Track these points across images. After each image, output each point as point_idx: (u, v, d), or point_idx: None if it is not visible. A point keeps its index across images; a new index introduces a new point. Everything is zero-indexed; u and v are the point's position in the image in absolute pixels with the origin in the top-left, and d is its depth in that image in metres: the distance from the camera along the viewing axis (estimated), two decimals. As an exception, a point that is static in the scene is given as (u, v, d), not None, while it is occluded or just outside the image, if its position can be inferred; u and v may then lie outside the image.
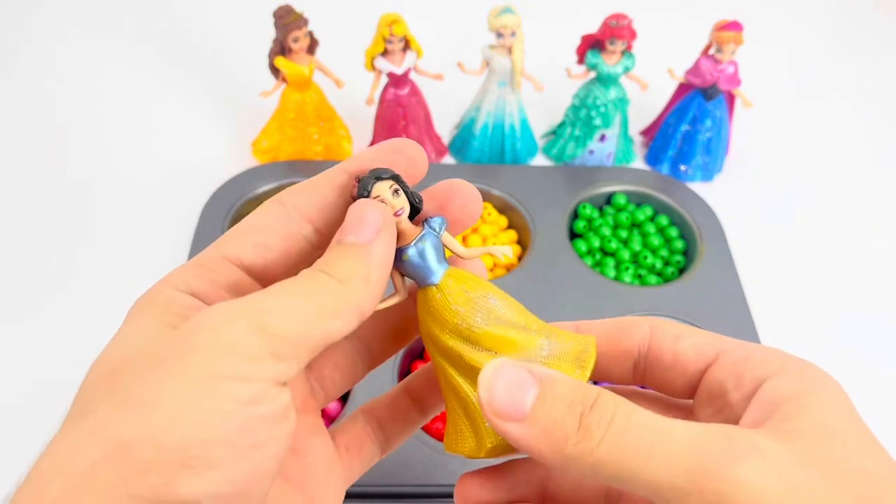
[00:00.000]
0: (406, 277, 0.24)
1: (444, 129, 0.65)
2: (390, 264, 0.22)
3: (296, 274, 0.21)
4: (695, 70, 0.59)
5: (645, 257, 0.56)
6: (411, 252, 0.23)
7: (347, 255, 0.21)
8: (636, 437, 0.18)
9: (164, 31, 0.75)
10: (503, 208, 0.58)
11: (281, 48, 0.55)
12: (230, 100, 0.68)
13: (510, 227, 0.58)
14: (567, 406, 0.19)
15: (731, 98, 0.62)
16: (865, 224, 0.63)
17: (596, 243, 0.57)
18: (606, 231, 0.57)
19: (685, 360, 0.23)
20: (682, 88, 0.63)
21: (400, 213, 0.23)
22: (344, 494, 0.26)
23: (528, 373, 0.20)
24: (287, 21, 0.53)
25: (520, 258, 0.56)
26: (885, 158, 0.69)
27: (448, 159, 0.65)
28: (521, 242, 0.57)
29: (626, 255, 0.56)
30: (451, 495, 0.43)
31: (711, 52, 0.58)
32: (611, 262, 0.56)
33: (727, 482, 0.17)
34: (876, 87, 0.77)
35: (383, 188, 0.23)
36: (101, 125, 0.66)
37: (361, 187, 0.22)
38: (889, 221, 0.63)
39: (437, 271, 0.23)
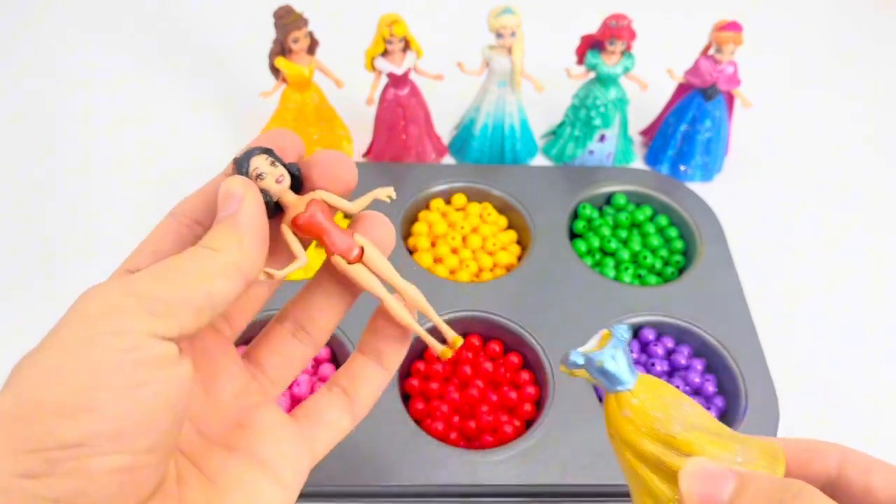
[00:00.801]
0: (305, 237, 0.26)
1: (444, 129, 0.65)
2: (262, 225, 0.24)
3: None
4: (694, 70, 0.59)
5: (645, 257, 0.56)
6: (606, 359, 0.23)
7: (221, 228, 0.23)
8: None
9: (164, 31, 0.75)
10: (503, 208, 0.58)
11: (281, 48, 0.55)
12: (230, 100, 0.68)
13: (510, 227, 0.58)
14: (766, 496, 0.19)
15: (730, 98, 0.62)
16: (865, 224, 0.63)
17: (596, 243, 0.57)
18: (606, 231, 0.57)
19: (876, 493, 0.23)
20: (682, 88, 0.63)
21: (280, 179, 0.25)
22: (308, 464, 0.27)
23: (727, 469, 0.21)
24: (287, 21, 0.53)
25: (520, 258, 0.56)
26: (885, 158, 0.69)
27: (448, 159, 0.65)
28: (521, 242, 0.57)
29: (625, 255, 0.56)
30: (451, 495, 0.44)
31: (711, 52, 0.58)
32: (611, 262, 0.56)
33: None
34: (876, 86, 0.77)
35: (260, 161, 0.24)
36: (101, 125, 0.66)
37: (239, 165, 0.24)
38: (889, 221, 0.63)
39: (631, 379, 0.24)
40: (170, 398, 0.21)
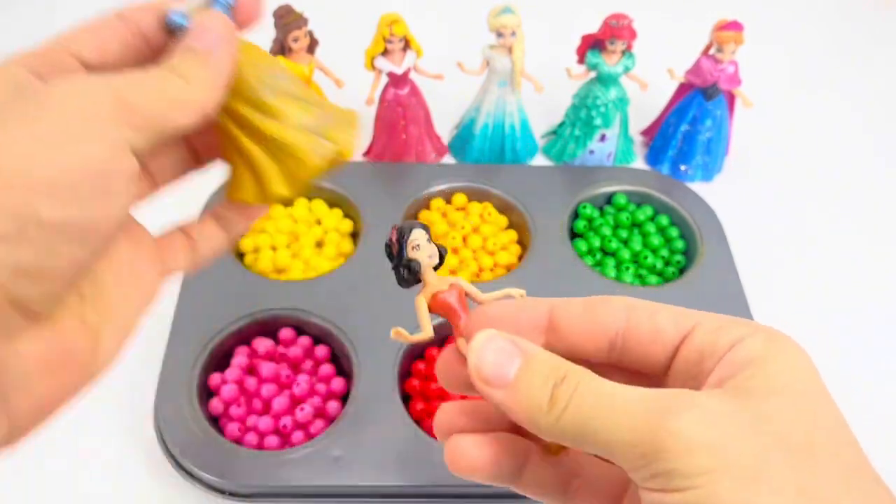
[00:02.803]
0: (432, 312, 0.27)
1: (445, 129, 0.65)
2: (229, 73, 0.24)
3: None
4: (695, 70, 0.59)
5: (645, 257, 0.56)
6: None
7: (194, 61, 0.23)
8: (594, 402, 0.20)
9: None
10: (503, 208, 0.58)
11: (281, 48, 0.55)
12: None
13: (510, 227, 0.58)
14: (543, 379, 0.21)
15: (731, 98, 0.62)
16: (865, 223, 0.63)
17: (596, 243, 0.57)
18: (607, 231, 0.57)
19: (664, 332, 0.23)
20: (683, 88, 0.63)
21: (432, 257, 0.26)
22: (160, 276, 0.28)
23: (513, 345, 0.22)
24: (287, 21, 0.53)
25: (520, 258, 0.56)
26: (886, 158, 0.69)
27: (448, 159, 0.65)
28: (521, 242, 0.57)
29: (626, 254, 0.56)
30: (451, 495, 0.43)
31: (712, 51, 0.58)
32: (611, 261, 0.56)
33: (662, 433, 0.19)
34: (876, 86, 0.77)
35: (420, 234, 0.26)
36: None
37: (400, 231, 0.26)
38: (889, 221, 0.63)
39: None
40: (125, 210, 0.22)
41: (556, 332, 0.25)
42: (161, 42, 0.25)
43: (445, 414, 0.26)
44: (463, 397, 0.31)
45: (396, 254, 0.26)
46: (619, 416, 0.20)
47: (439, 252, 0.27)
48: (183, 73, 0.23)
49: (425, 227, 0.26)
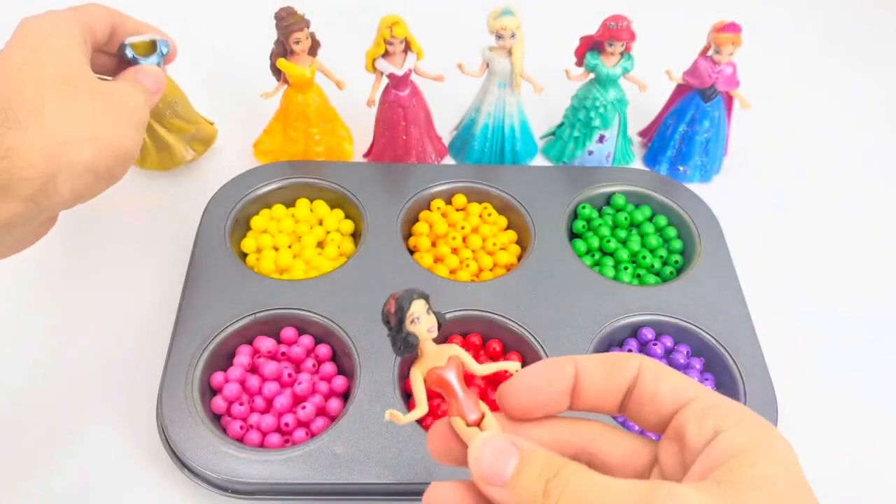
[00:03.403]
0: (428, 387, 0.27)
1: (445, 130, 0.66)
2: (156, 100, 0.43)
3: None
4: (693, 71, 0.60)
5: (644, 257, 0.56)
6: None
7: (139, 88, 0.42)
8: (583, 494, 0.21)
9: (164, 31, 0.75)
10: (503, 208, 0.59)
11: (283, 50, 0.56)
12: (232, 101, 0.68)
13: (510, 227, 0.58)
14: (538, 474, 0.23)
15: (729, 99, 0.62)
16: (864, 224, 0.63)
17: (595, 243, 0.57)
18: (605, 231, 0.58)
19: (661, 400, 0.25)
20: (681, 89, 0.64)
21: (432, 330, 0.26)
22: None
23: (511, 444, 0.24)
24: (288, 23, 0.54)
25: (519, 258, 0.56)
26: (885, 158, 0.70)
27: (448, 160, 0.65)
28: (521, 242, 0.57)
29: (624, 255, 0.56)
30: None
31: (710, 53, 0.59)
32: (609, 261, 0.56)
33: None
34: (875, 87, 0.77)
35: (419, 306, 0.25)
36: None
37: (399, 303, 0.25)
38: (888, 221, 0.64)
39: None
40: (135, 155, 0.40)
41: (578, 396, 0.26)
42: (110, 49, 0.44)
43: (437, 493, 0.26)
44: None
45: (395, 325, 0.25)
46: None
47: (438, 322, 0.26)
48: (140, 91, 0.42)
49: (425, 297, 0.26)
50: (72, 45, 0.37)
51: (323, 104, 0.60)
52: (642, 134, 0.68)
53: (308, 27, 0.55)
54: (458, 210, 0.59)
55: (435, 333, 0.26)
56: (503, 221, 0.58)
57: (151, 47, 0.45)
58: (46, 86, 0.34)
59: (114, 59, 0.45)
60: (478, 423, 0.26)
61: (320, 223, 0.57)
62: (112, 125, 0.36)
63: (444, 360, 0.26)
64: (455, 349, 0.26)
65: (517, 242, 0.58)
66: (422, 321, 0.25)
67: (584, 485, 0.22)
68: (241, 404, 0.46)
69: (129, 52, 0.44)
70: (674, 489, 0.21)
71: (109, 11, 0.43)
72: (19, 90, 0.33)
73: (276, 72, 0.57)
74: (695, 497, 0.20)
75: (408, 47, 0.56)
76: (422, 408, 0.26)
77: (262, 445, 0.45)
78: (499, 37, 0.56)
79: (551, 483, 0.22)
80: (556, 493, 0.22)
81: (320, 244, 0.56)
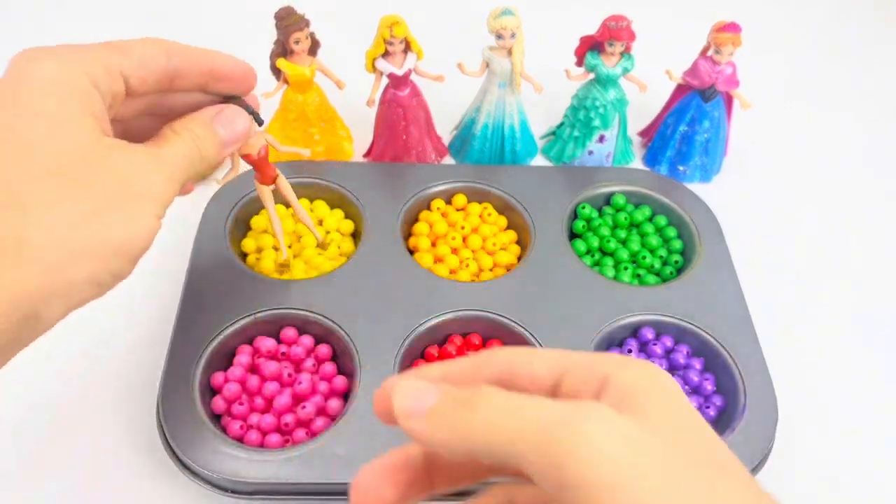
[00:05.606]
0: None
1: (445, 130, 0.66)
2: (226, 158, 0.38)
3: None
4: (693, 71, 0.60)
5: (644, 257, 0.56)
6: None
7: (210, 138, 0.35)
8: (502, 409, 0.21)
9: (164, 31, 0.75)
10: (503, 208, 0.59)
11: (282, 49, 0.56)
12: (231, 101, 0.68)
13: (510, 227, 0.58)
14: (454, 400, 0.22)
15: (729, 99, 0.62)
16: (863, 224, 0.63)
17: (595, 243, 0.57)
18: (605, 231, 0.58)
19: (541, 377, 0.24)
20: (681, 89, 0.64)
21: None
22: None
23: (430, 384, 0.23)
24: (288, 23, 0.54)
25: (519, 258, 0.56)
26: (883, 159, 0.70)
27: (448, 160, 0.65)
28: (521, 242, 0.57)
29: (624, 255, 0.56)
30: (452, 493, 0.44)
31: (710, 53, 0.59)
32: (609, 261, 0.56)
33: (572, 434, 0.19)
34: (874, 88, 0.77)
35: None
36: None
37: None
38: (887, 222, 0.64)
39: None
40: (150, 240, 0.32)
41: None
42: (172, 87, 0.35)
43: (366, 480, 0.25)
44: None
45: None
46: (527, 422, 0.20)
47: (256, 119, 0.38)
48: (203, 148, 0.33)
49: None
50: (71, 109, 0.28)
51: (323, 104, 0.60)
52: (642, 134, 0.68)
53: (308, 27, 0.55)
54: (458, 210, 0.59)
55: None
56: (503, 221, 0.58)
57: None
58: (31, 177, 0.26)
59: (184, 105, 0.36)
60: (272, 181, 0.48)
61: (320, 223, 0.57)
62: (123, 221, 0.28)
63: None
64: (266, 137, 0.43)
65: (517, 242, 0.58)
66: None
67: (504, 399, 0.22)
68: (241, 404, 0.46)
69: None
70: (598, 406, 0.21)
71: (166, 48, 0.33)
72: None
73: (276, 71, 0.57)
74: (622, 418, 0.20)
75: (408, 47, 0.56)
76: (235, 169, 0.45)
77: (262, 445, 0.45)
78: (499, 36, 0.56)
79: (471, 400, 0.22)
80: (473, 407, 0.21)
81: (320, 244, 0.56)
